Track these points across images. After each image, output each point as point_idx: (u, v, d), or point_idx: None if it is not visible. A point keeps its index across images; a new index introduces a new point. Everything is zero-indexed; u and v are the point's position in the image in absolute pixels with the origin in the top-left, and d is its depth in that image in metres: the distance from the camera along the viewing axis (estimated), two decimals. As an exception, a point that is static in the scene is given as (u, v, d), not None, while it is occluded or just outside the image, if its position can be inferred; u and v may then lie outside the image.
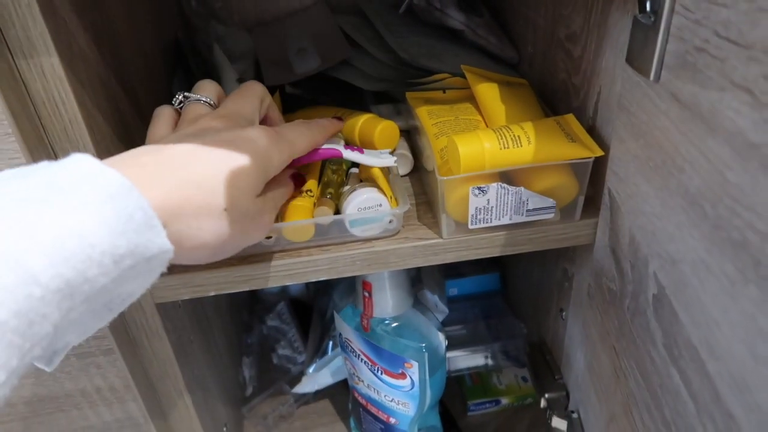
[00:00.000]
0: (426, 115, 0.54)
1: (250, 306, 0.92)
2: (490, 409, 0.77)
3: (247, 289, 0.48)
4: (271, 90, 0.63)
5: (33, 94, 0.37)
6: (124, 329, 0.48)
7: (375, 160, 0.49)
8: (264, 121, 0.44)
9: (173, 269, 0.47)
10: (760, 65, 0.25)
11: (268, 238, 0.47)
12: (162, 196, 0.30)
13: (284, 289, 0.94)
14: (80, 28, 0.40)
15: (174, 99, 0.42)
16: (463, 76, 0.58)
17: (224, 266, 0.47)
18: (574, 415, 0.59)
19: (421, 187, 0.57)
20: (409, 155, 0.57)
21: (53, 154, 0.40)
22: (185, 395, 0.55)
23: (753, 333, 0.26)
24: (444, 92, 0.59)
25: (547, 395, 0.65)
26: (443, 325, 0.80)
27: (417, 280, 0.74)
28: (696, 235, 0.32)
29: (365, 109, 0.59)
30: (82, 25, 0.41)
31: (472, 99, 0.57)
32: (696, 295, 0.32)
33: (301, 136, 0.42)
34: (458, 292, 0.86)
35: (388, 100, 0.66)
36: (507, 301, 0.86)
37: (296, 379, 0.77)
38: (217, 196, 0.32)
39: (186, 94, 0.42)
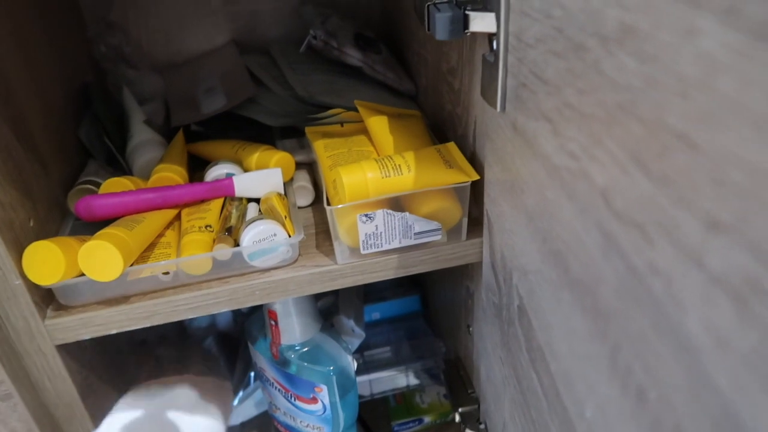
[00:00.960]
0: (322, 148, 0.58)
1: (179, 339, 0.91)
2: (414, 428, 0.79)
3: (149, 324, 0.50)
4: (177, 129, 0.65)
5: None
6: (24, 373, 0.48)
7: (262, 177, 0.53)
8: None
9: (72, 309, 0.48)
10: (555, 98, 0.29)
11: (165, 273, 0.49)
12: None
13: (212, 323, 0.94)
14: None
15: None
16: (357, 110, 0.61)
17: (124, 303, 0.48)
18: (482, 426, 0.62)
19: (322, 217, 0.59)
20: (310, 186, 0.60)
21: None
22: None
23: (570, 332, 0.30)
24: (342, 126, 0.62)
25: (460, 409, 0.67)
26: (367, 348, 0.83)
27: (334, 306, 0.76)
28: (534, 248, 0.35)
29: (270, 144, 0.61)
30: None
31: (366, 132, 0.60)
32: (539, 302, 0.35)
33: None
34: (381, 315, 0.89)
35: (295, 135, 0.69)
36: (428, 321, 0.89)
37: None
38: None
39: None
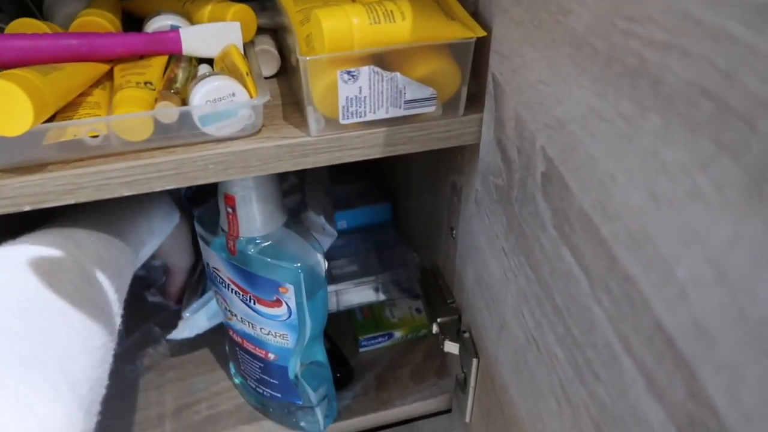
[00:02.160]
0: (291, 3, 0.47)
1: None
2: (383, 343, 0.73)
3: (73, 201, 0.39)
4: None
5: None
6: None
7: (217, 30, 0.43)
8: None
9: (-32, 178, 0.37)
10: None
11: (94, 136, 0.38)
12: None
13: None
14: None
15: None
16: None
17: (40, 172, 0.38)
18: (466, 335, 0.56)
19: (289, 89, 0.50)
20: (274, 51, 0.50)
21: None
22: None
23: (653, 171, 0.22)
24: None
25: (438, 320, 0.61)
26: (332, 258, 0.74)
27: (301, 203, 0.68)
28: (585, 82, 0.27)
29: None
30: None
31: (344, -14, 0.50)
32: (587, 155, 0.27)
33: None
34: (348, 224, 0.81)
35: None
36: (399, 231, 0.81)
37: (168, 322, 0.69)
38: None
39: None
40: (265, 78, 0.50)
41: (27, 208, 0.39)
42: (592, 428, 0.29)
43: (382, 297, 0.74)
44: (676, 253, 0.21)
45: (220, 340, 0.70)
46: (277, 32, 0.54)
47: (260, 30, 0.51)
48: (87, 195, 0.39)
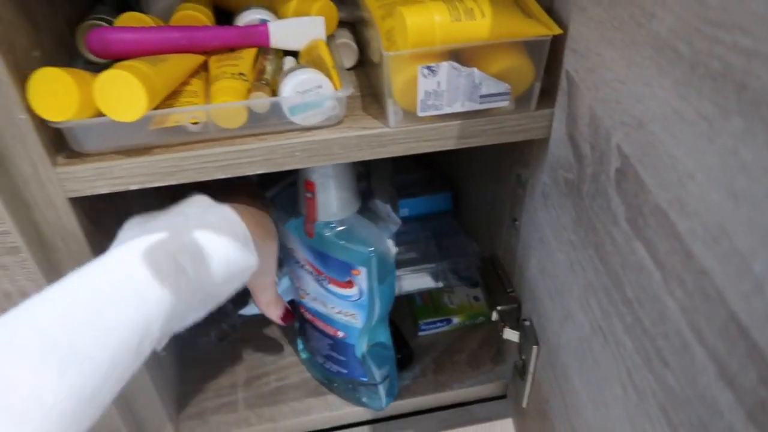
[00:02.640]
0: (372, -2, 0.49)
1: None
2: (441, 328, 0.75)
3: (174, 182, 0.43)
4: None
5: None
6: (33, 227, 0.42)
7: (302, 25, 0.47)
8: None
9: (86, 157, 0.41)
10: None
11: (194, 123, 0.42)
12: None
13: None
14: None
15: None
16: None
17: (146, 155, 0.42)
18: (527, 323, 0.58)
19: (367, 81, 0.52)
20: (353, 45, 0.52)
21: None
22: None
23: (733, 170, 0.23)
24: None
25: (498, 308, 0.63)
26: (395, 244, 0.77)
27: (368, 190, 0.70)
28: (667, 84, 0.28)
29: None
30: None
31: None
32: (666, 154, 0.29)
33: None
34: (409, 212, 0.83)
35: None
36: (459, 220, 0.83)
37: (240, 298, 0.73)
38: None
39: None
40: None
41: (134, 188, 0.43)
42: (658, 411, 0.31)
43: (441, 284, 0.76)
44: (753, 249, 0.22)
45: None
46: (355, 25, 0.56)
47: (339, 23, 0.54)
48: (187, 177, 0.43)
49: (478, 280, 0.77)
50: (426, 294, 0.78)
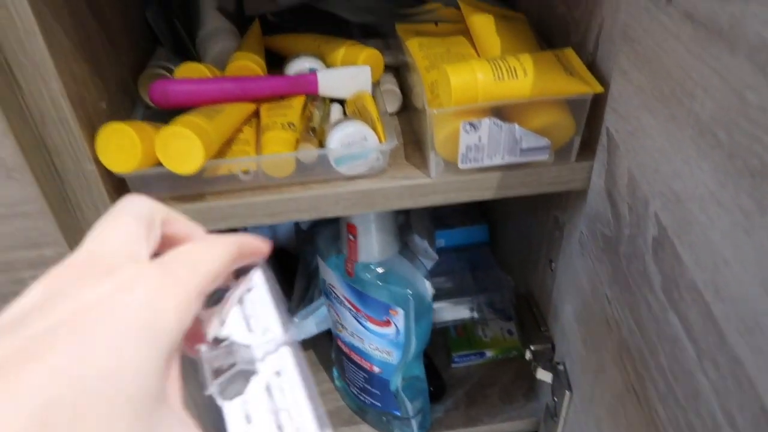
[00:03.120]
0: (416, 48, 0.51)
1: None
2: (475, 361, 0.76)
3: (224, 227, 0.46)
4: (251, 20, 0.59)
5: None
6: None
7: (349, 74, 0.48)
8: (167, 245, 0.24)
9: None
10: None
11: (245, 172, 0.44)
12: None
13: (272, 238, 0.91)
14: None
15: None
16: (456, 7, 0.54)
17: (199, 201, 0.44)
18: (560, 367, 0.58)
19: (409, 126, 0.54)
20: (397, 91, 0.54)
21: (7, 66, 0.36)
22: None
23: (761, 271, 0.24)
24: (436, 25, 0.55)
25: (532, 347, 0.63)
26: (430, 275, 0.78)
27: (406, 224, 0.72)
28: (706, 167, 0.29)
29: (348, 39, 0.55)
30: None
31: (465, 32, 0.53)
32: (703, 234, 0.30)
33: (206, 254, 0.23)
34: (445, 243, 0.84)
35: (376, 35, 0.62)
36: (494, 253, 0.84)
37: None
38: None
39: None
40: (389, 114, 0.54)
41: (186, 231, 0.45)
42: (689, 485, 0.31)
43: (475, 316, 0.77)
44: (786, 348, 0.23)
45: (324, 345, 0.76)
46: (398, 69, 0.58)
47: (384, 68, 0.56)
48: (237, 222, 0.45)
49: (512, 314, 0.78)
50: (460, 326, 0.79)
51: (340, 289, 0.57)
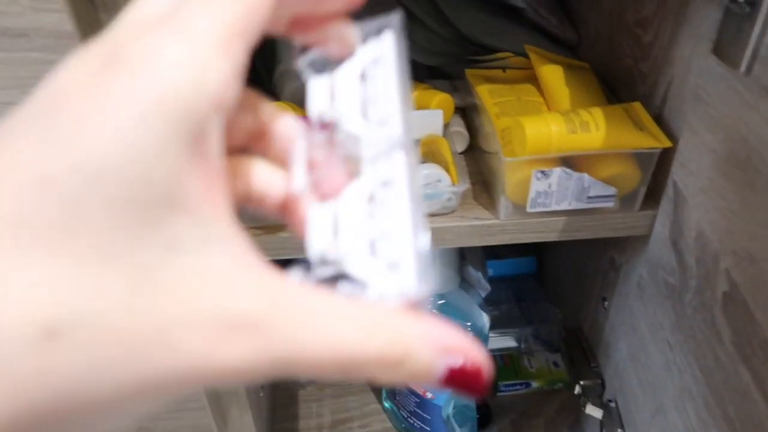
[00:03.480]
0: (487, 94, 0.54)
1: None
2: (520, 390, 0.78)
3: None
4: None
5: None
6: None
7: (423, 117, 0.51)
8: None
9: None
10: None
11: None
12: None
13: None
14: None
15: None
16: (525, 55, 0.57)
17: (278, 230, 0.47)
18: (612, 404, 0.59)
19: (475, 166, 0.56)
20: (465, 132, 0.57)
21: None
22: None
23: None
24: (504, 71, 0.58)
25: (582, 382, 0.65)
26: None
27: (460, 254, 0.74)
28: (784, 234, 0.31)
29: (419, 82, 0.58)
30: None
31: (533, 80, 0.56)
32: (777, 296, 0.31)
33: None
34: (493, 273, 0.86)
35: (442, 76, 0.65)
36: (541, 285, 0.85)
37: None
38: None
39: None
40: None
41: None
42: None
43: (522, 346, 0.79)
44: None
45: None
46: (465, 110, 0.61)
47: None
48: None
49: (558, 346, 0.79)
50: (506, 355, 0.81)
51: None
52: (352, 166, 0.19)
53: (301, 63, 0.19)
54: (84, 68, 0.14)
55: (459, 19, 0.62)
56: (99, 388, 0.12)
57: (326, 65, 0.20)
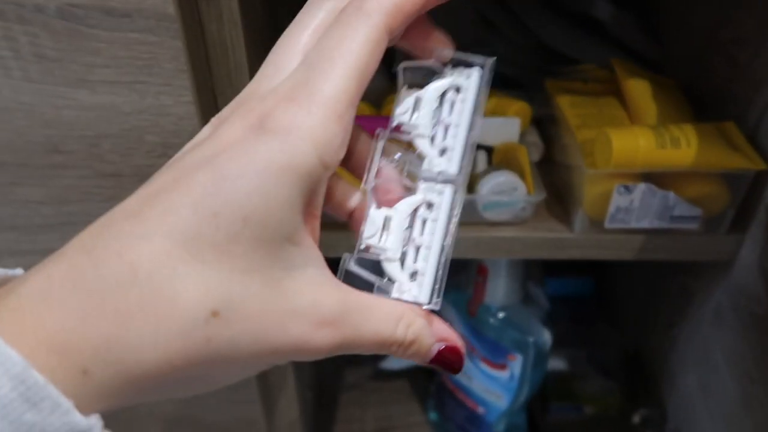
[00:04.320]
0: (568, 105, 0.52)
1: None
2: (571, 414, 0.75)
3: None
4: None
5: (207, 36, 0.38)
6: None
7: (500, 124, 0.50)
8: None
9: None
10: None
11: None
12: (71, 330, 0.16)
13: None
14: (255, -24, 0.40)
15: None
16: (607, 68, 0.55)
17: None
18: (675, 436, 0.57)
19: (549, 178, 0.55)
20: (540, 143, 0.55)
21: (214, 97, 0.40)
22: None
23: None
24: (585, 83, 0.57)
25: (641, 410, 0.62)
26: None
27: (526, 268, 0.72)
28: None
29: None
30: (256, -27, 0.41)
31: (614, 93, 0.54)
32: None
33: (343, 47, 0.20)
34: (550, 291, 0.84)
35: (517, 86, 0.64)
36: (599, 306, 0.83)
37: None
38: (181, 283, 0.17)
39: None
40: (529, 165, 0.56)
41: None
42: None
43: (575, 369, 0.76)
44: None
45: (419, 375, 0.77)
46: (540, 122, 0.59)
47: (528, 119, 0.57)
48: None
49: (615, 371, 0.76)
50: (558, 377, 0.78)
51: (457, 325, 0.58)
52: (409, 181, 0.23)
53: (400, 68, 0.23)
54: (239, 131, 0.19)
55: (540, 29, 0.61)
56: (240, 350, 0.19)
57: (420, 75, 0.23)
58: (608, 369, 0.76)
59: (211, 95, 0.40)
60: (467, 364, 0.59)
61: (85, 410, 0.16)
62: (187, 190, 0.18)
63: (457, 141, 0.23)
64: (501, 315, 0.55)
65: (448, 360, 0.23)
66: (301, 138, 0.19)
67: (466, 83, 0.23)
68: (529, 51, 0.61)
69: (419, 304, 0.22)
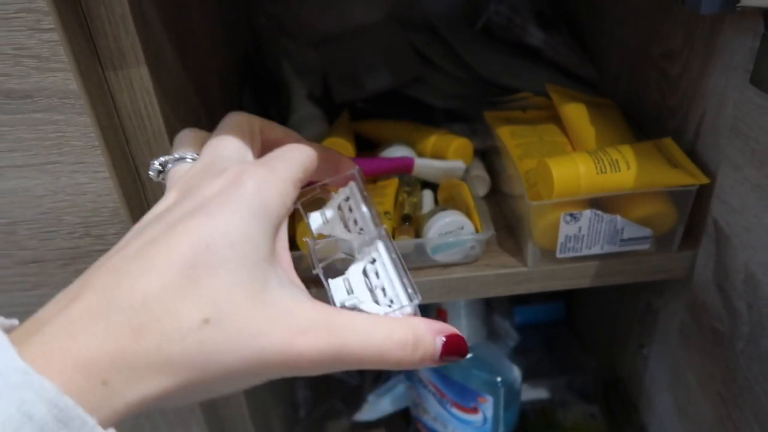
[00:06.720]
0: (508, 136, 0.52)
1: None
2: (556, 446, 0.73)
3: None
4: (341, 107, 0.62)
5: (119, 107, 0.36)
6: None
7: (444, 167, 0.51)
8: (268, 148, 0.29)
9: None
10: None
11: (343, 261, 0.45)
12: (93, 349, 0.20)
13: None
14: (167, 40, 0.39)
15: (150, 168, 0.29)
16: (545, 94, 0.55)
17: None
18: (659, 462, 0.55)
19: (498, 210, 0.54)
20: (486, 176, 0.55)
21: (134, 168, 0.38)
22: (247, 420, 0.52)
23: None
24: (524, 111, 0.56)
25: (624, 436, 0.60)
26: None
27: (486, 304, 0.71)
28: None
29: (437, 127, 0.56)
30: (168, 37, 0.39)
31: (555, 119, 0.54)
32: None
33: (298, 152, 0.28)
34: (520, 320, 0.82)
35: (460, 118, 0.63)
36: (572, 332, 0.81)
37: (350, 397, 0.74)
38: (190, 302, 0.21)
39: (162, 159, 0.29)
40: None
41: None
42: None
43: (556, 398, 0.74)
44: None
45: (395, 423, 0.74)
46: (485, 153, 0.58)
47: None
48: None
49: (595, 397, 0.74)
50: (539, 408, 0.76)
51: (424, 372, 0.56)
52: (348, 256, 0.30)
53: (299, 205, 0.31)
54: (218, 186, 0.25)
55: (476, 61, 0.61)
56: (228, 352, 0.22)
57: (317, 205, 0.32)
58: (588, 394, 0.74)
59: (132, 166, 0.38)
60: (439, 410, 0.57)
61: (106, 420, 0.19)
62: (185, 232, 0.22)
63: (364, 220, 0.31)
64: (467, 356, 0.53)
65: (455, 346, 0.26)
66: (272, 195, 0.25)
67: (351, 192, 0.32)
68: (469, 83, 0.61)
69: (403, 306, 0.26)
